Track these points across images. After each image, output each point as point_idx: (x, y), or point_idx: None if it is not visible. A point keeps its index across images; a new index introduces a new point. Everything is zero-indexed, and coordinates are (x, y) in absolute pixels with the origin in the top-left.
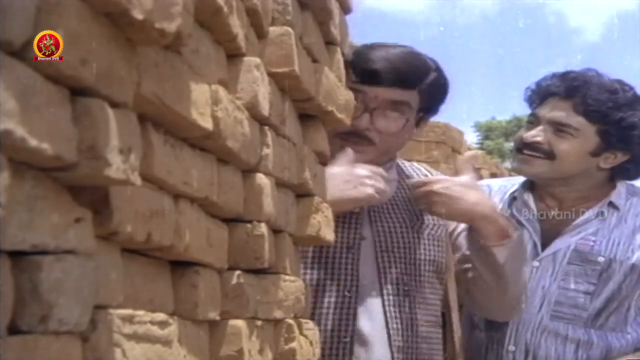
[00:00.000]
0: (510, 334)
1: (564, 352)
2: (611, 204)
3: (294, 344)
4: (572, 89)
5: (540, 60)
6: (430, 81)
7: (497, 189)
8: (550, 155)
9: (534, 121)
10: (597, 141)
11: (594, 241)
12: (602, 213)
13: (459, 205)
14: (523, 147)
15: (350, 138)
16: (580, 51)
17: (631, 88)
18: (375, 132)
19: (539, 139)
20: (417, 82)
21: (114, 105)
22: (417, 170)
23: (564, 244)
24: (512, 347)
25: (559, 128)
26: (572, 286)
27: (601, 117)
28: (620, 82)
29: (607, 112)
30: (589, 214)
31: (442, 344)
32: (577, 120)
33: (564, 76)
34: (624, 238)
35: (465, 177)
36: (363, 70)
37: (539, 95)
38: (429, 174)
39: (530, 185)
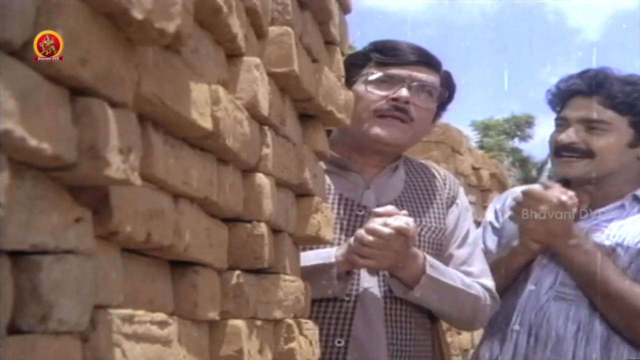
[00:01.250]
0: (517, 313)
1: (565, 332)
2: (635, 198)
3: (293, 344)
4: (595, 85)
5: (540, 59)
6: (446, 71)
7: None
8: (589, 154)
9: (562, 123)
10: (631, 133)
11: (605, 227)
12: (623, 205)
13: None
14: (561, 150)
15: (391, 112)
16: (579, 50)
17: None
18: (414, 108)
19: (573, 139)
20: (439, 65)
21: (114, 105)
22: (426, 169)
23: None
24: (517, 327)
25: (591, 126)
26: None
27: (630, 108)
28: (633, 75)
29: (635, 103)
30: (611, 205)
31: (431, 347)
32: (607, 115)
33: (583, 75)
34: (636, 225)
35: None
36: (396, 51)
37: (561, 96)
38: (437, 173)
39: (565, 181)
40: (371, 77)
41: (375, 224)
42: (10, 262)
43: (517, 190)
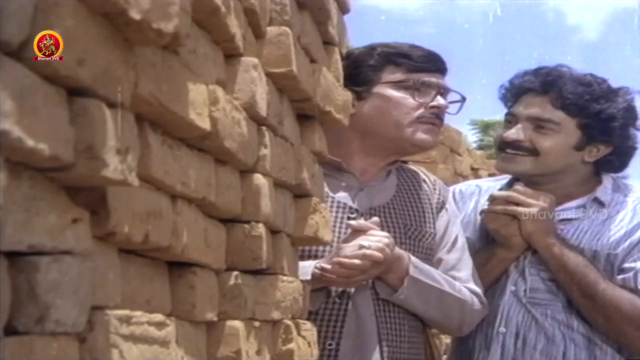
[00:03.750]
0: (501, 315)
1: (553, 334)
2: (596, 200)
3: (291, 345)
4: (548, 84)
5: (539, 58)
6: None
7: (486, 189)
8: (533, 152)
9: (511, 120)
10: (579, 135)
11: (561, 230)
12: (584, 207)
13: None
14: (505, 147)
15: (433, 120)
16: (578, 49)
17: (604, 80)
18: (444, 114)
19: (519, 137)
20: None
21: (112, 105)
22: (416, 174)
23: None
24: (502, 329)
25: (539, 124)
26: (537, 272)
27: (580, 110)
28: (592, 75)
29: (586, 105)
30: (569, 204)
31: (423, 349)
32: (556, 115)
33: (537, 71)
34: (593, 228)
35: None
36: (426, 58)
37: (514, 92)
38: (426, 178)
39: (516, 178)
40: (407, 84)
41: (351, 252)
42: (7, 262)
43: (470, 184)
